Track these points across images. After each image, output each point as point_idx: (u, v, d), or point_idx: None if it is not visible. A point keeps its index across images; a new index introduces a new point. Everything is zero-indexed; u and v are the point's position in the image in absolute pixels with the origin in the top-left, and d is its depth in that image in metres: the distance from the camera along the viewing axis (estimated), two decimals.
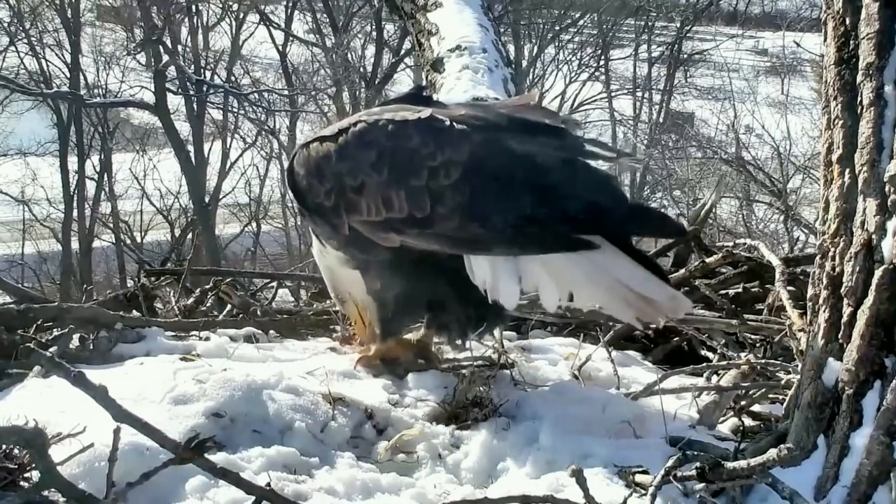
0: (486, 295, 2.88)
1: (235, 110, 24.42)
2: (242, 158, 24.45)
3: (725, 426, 2.94)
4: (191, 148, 22.94)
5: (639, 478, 2.44)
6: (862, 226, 2.36)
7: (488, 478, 2.60)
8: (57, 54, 23.56)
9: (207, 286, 4.25)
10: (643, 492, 2.33)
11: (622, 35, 28.78)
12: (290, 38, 24.91)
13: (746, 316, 3.78)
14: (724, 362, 3.36)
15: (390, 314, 3.08)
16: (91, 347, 3.37)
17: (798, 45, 17.58)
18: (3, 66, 22.90)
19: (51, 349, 3.12)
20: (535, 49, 26.60)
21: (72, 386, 2.04)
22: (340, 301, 3.39)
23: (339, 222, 2.97)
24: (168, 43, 22.56)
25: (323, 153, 2.98)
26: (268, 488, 2.13)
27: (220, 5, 24.58)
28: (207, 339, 3.49)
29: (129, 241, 23.14)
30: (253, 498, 2.13)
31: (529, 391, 3.05)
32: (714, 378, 3.20)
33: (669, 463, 2.31)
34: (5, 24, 22.94)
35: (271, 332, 3.76)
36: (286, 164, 3.18)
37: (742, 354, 3.48)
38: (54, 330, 3.44)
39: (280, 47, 24.61)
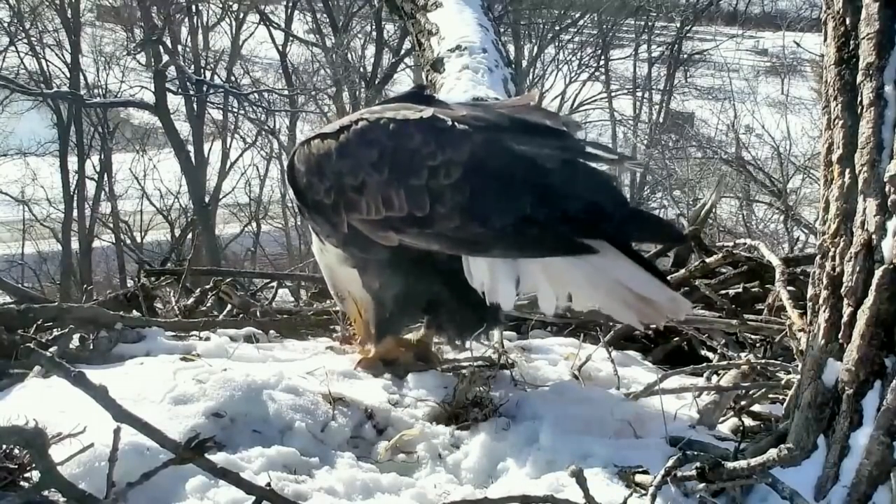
0: (484, 297, 2.88)
1: (235, 110, 24.42)
2: (242, 158, 24.46)
3: (725, 426, 2.94)
4: (191, 148, 22.94)
5: (639, 478, 2.44)
6: (862, 226, 2.36)
7: (488, 478, 2.60)
8: (57, 54, 23.57)
9: (207, 286, 4.25)
10: (643, 492, 2.33)
11: (622, 35, 28.79)
12: (290, 38, 24.92)
13: (746, 316, 3.78)
14: (725, 362, 3.36)
15: (388, 314, 3.08)
16: (91, 347, 3.37)
17: (798, 45, 17.59)
18: (3, 66, 22.90)
19: (51, 349, 3.12)
20: (535, 49, 26.60)
21: (72, 386, 2.05)
22: (340, 299, 3.39)
23: (339, 220, 2.97)
24: (168, 43, 22.57)
25: (324, 151, 2.98)
26: (268, 488, 2.13)
27: (220, 5, 24.58)
28: (207, 339, 3.49)
29: (129, 241, 23.14)
30: (253, 498, 2.13)
31: (529, 391, 3.05)
32: (714, 378, 3.20)
33: (669, 463, 2.31)
34: (5, 24, 22.94)
35: (271, 332, 3.76)
36: (287, 162, 3.17)
37: (742, 354, 3.48)
38: (54, 330, 3.44)
39: (280, 47, 24.62)
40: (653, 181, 22.94)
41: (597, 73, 27.78)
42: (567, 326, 3.93)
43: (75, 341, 3.41)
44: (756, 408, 3.06)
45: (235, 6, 24.40)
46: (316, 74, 24.67)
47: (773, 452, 2.28)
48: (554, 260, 2.82)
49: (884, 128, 2.35)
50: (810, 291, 2.54)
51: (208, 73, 24.11)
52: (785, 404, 2.84)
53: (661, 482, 2.28)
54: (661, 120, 26.85)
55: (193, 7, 24.18)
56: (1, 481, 2.19)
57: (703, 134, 22.45)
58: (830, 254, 2.45)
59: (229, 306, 4.21)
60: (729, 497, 2.35)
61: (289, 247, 24.16)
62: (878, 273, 2.30)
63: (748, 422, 2.94)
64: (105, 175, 23.49)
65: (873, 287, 2.30)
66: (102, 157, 23.50)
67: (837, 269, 2.42)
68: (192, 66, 23.75)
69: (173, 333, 3.52)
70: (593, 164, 2.89)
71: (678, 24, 27.41)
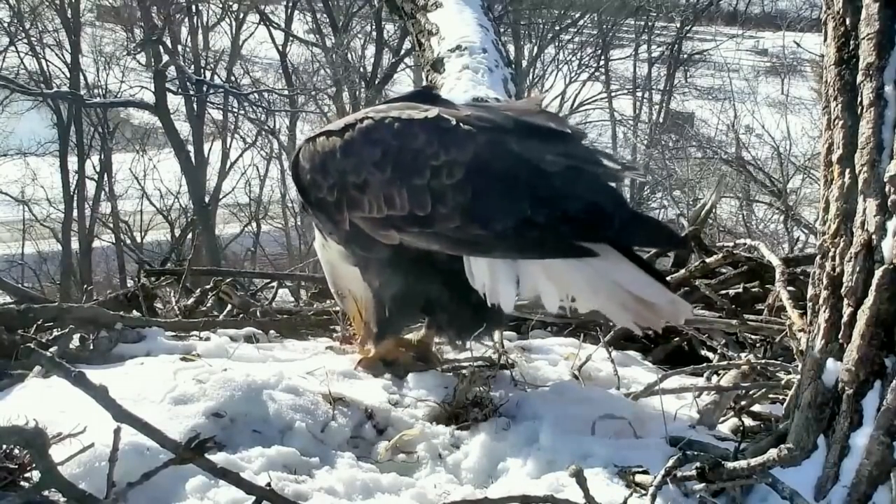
0: (485, 297, 2.88)
1: (235, 110, 24.42)
2: (242, 158, 24.45)
3: (725, 426, 2.94)
4: (191, 148, 22.94)
5: (639, 478, 2.44)
6: (862, 226, 2.36)
7: (488, 478, 2.60)
8: (57, 54, 23.57)
9: (207, 286, 4.25)
10: (643, 492, 2.34)
11: (622, 35, 28.79)
12: (290, 38, 24.91)
13: (746, 316, 3.78)
14: (725, 362, 3.37)
15: (389, 313, 3.08)
16: (91, 347, 3.37)
17: (798, 45, 17.59)
18: (3, 66, 22.90)
19: (51, 349, 3.12)
20: (535, 49, 26.60)
21: (72, 386, 2.05)
22: (340, 297, 3.39)
23: (341, 218, 2.97)
24: (168, 43, 22.57)
25: (328, 148, 2.99)
26: (268, 488, 2.13)
27: (220, 5, 24.58)
28: (207, 339, 3.49)
29: (129, 241, 23.14)
30: (253, 498, 2.13)
31: (529, 391, 3.05)
32: (714, 378, 3.20)
33: (669, 463, 2.32)
34: (5, 24, 22.94)
35: (271, 332, 3.76)
36: (291, 158, 3.18)
37: (742, 354, 3.49)
38: (54, 330, 3.44)
39: (280, 47, 24.62)
40: (653, 181, 22.93)
41: (597, 73, 27.78)
42: (567, 326, 3.93)
43: (75, 341, 3.41)
44: (756, 408, 3.06)
45: (235, 6, 24.41)
46: (316, 74, 24.67)
47: (773, 452, 2.28)
48: (554, 262, 2.83)
49: (884, 128, 2.35)
50: (810, 291, 2.54)
51: (208, 73, 24.11)
52: (785, 404, 2.84)
53: (661, 482, 2.28)
54: (661, 120, 26.85)
55: (193, 7, 24.18)
56: (1, 481, 2.19)
57: (703, 134, 22.44)
58: (830, 254, 2.45)
59: (229, 306, 4.22)
60: (729, 497, 2.35)
61: (289, 247, 24.16)
62: (878, 273, 2.30)
63: (748, 422, 2.94)
64: (105, 175, 23.49)
65: (873, 287, 2.30)
66: (102, 157, 23.50)
67: (837, 269, 2.42)
68: (192, 66, 23.75)
69: (173, 333, 3.52)
70: (596, 168, 2.89)
71: (678, 24, 27.41)
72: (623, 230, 2.76)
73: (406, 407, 2.88)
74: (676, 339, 3.90)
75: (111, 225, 23.27)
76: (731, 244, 4.34)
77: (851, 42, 2.44)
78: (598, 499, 2.20)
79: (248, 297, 4.52)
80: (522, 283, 2.86)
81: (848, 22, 2.45)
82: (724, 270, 4.29)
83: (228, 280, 4.37)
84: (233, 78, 24.42)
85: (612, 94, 27.79)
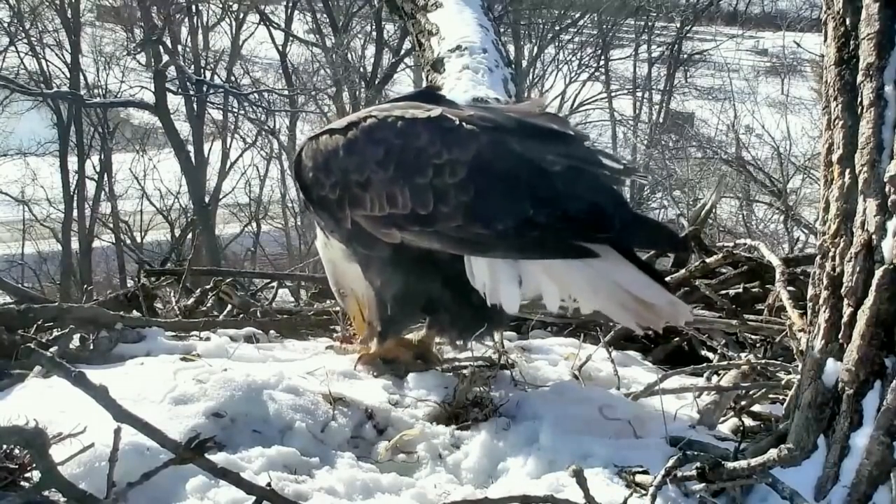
0: (486, 297, 2.88)
1: (235, 110, 24.42)
2: (242, 158, 24.45)
3: (725, 426, 2.94)
4: (191, 148, 22.94)
5: (639, 478, 2.44)
6: (862, 226, 2.36)
7: (488, 478, 2.60)
8: (57, 54, 23.57)
9: (208, 286, 4.26)
10: (643, 492, 2.34)
11: (622, 35, 28.78)
12: (290, 38, 24.91)
13: (746, 316, 3.78)
14: (725, 362, 3.37)
15: (390, 313, 3.08)
16: (91, 347, 3.37)
17: (798, 45, 17.60)
18: (3, 66, 22.89)
19: (51, 349, 3.12)
20: (535, 49, 26.59)
21: (72, 386, 2.05)
22: (341, 296, 3.39)
23: (343, 216, 2.97)
24: (168, 43, 22.56)
25: (331, 147, 2.99)
26: (268, 488, 2.13)
27: (220, 5, 24.57)
28: (208, 339, 3.49)
29: (129, 241, 23.13)
30: (253, 498, 2.13)
31: (529, 391, 3.05)
32: (714, 378, 3.20)
33: (669, 463, 2.32)
34: (5, 24, 22.94)
35: (271, 332, 3.76)
36: (294, 156, 3.18)
37: (742, 354, 3.49)
38: (54, 330, 3.44)
39: (280, 47, 24.61)
40: (653, 181, 22.93)
41: (597, 73, 27.78)
42: (567, 326, 3.93)
43: (75, 341, 3.41)
44: (756, 408, 3.06)
45: (235, 6, 24.40)
46: (316, 74, 24.67)
47: (773, 452, 2.28)
48: (555, 262, 2.83)
49: (884, 128, 2.35)
50: (810, 291, 2.55)
51: (208, 73, 24.11)
52: (785, 404, 2.84)
53: (661, 482, 2.28)
54: (661, 120, 26.85)
55: (193, 7, 24.18)
56: (1, 481, 2.19)
57: (703, 134, 22.45)
58: (830, 254, 2.45)
59: (229, 306, 4.22)
60: (729, 497, 2.35)
61: (289, 247, 24.16)
62: (878, 273, 2.30)
63: (748, 422, 2.94)
64: (105, 175, 23.49)
65: (873, 287, 2.30)
66: (102, 157, 23.50)
67: (837, 270, 2.42)
68: (192, 66, 23.74)
69: (173, 333, 3.52)
70: (598, 170, 2.89)
71: (678, 24, 27.41)
72: (624, 231, 2.76)
73: (406, 407, 2.88)
74: (676, 339, 3.90)
75: (111, 225, 23.26)
76: (731, 244, 4.35)
77: (851, 42, 2.44)
78: (598, 499, 2.20)
79: (248, 297, 4.53)
80: (524, 283, 2.86)
81: (848, 22, 2.46)
82: (724, 270, 4.30)
83: (228, 280, 4.38)
84: (233, 78, 24.42)
85: (612, 94, 27.78)
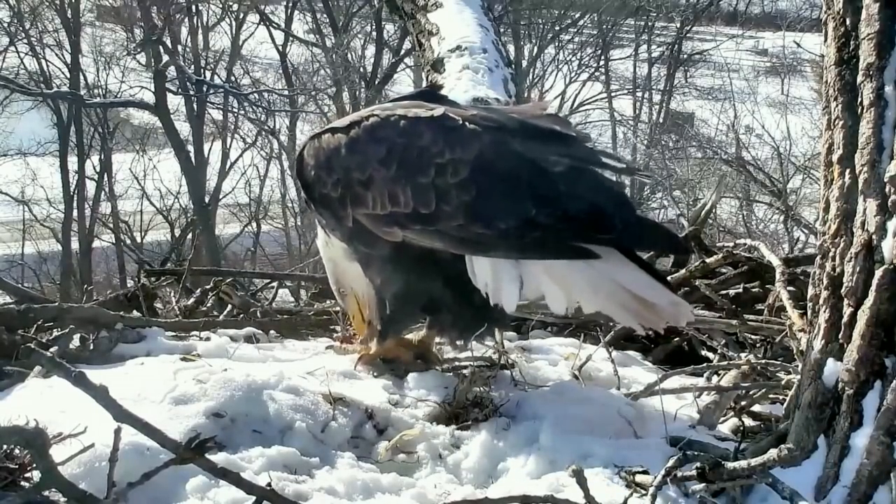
0: (488, 297, 2.88)
1: (235, 110, 24.41)
2: (242, 158, 24.44)
3: (726, 426, 2.94)
4: (191, 148, 22.93)
5: (639, 478, 2.44)
6: (862, 226, 2.36)
7: (489, 478, 2.60)
8: (57, 54, 23.56)
9: (208, 286, 4.26)
10: (643, 492, 2.33)
11: (622, 35, 28.78)
12: (290, 38, 24.90)
13: (747, 316, 3.79)
14: (725, 362, 3.37)
15: (391, 312, 3.08)
16: (91, 347, 3.37)
17: (798, 45, 17.61)
18: (3, 66, 22.89)
19: (51, 349, 3.12)
20: (535, 49, 26.59)
21: (72, 386, 2.05)
22: (342, 295, 3.39)
23: (344, 214, 2.98)
24: (168, 43, 22.56)
25: (333, 145, 2.99)
26: (268, 488, 2.13)
27: (220, 5, 24.57)
28: (208, 339, 3.49)
29: (129, 241, 23.12)
30: (253, 498, 2.13)
31: (530, 391, 3.05)
32: (714, 378, 3.20)
33: (670, 463, 2.32)
34: (5, 24, 22.93)
35: (271, 332, 3.77)
36: (296, 154, 3.18)
37: (742, 354, 3.49)
38: (55, 330, 3.44)
39: (280, 47, 24.60)
40: (653, 181, 22.94)
41: (597, 74, 27.77)
42: (567, 326, 3.93)
43: (75, 341, 3.41)
44: (756, 408, 3.06)
45: (235, 6, 24.40)
46: (316, 74, 24.66)
47: (773, 452, 2.28)
48: (556, 263, 2.83)
49: (884, 128, 2.35)
50: (810, 292, 2.55)
51: (208, 73, 24.10)
52: (785, 404, 2.84)
53: (661, 482, 2.28)
54: (661, 120, 26.85)
55: (193, 7, 24.17)
56: (1, 481, 2.19)
57: (703, 134, 22.44)
58: (831, 254, 2.45)
59: (229, 306, 4.22)
60: (729, 497, 2.35)
61: (289, 247, 24.15)
62: (878, 273, 2.30)
63: (748, 422, 2.94)
64: (105, 175, 23.48)
65: (873, 287, 2.30)
66: (102, 157, 23.49)
67: (837, 270, 2.42)
68: (192, 66, 23.74)
69: (174, 333, 3.52)
70: (600, 171, 2.89)
71: (678, 25, 27.40)
72: (625, 233, 2.76)
73: (406, 407, 2.88)
74: (676, 339, 3.90)
75: (111, 225, 23.26)
76: (731, 244, 4.35)
77: (851, 42, 2.44)
78: (598, 499, 2.20)
79: (248, 297, 4.53)
80: (525, 283, 2.86)
81: (848, 22, 2.46)
82: (724, 270, 4.30)
83: (228, 280, 4.38)
84: (233, 78, 24.40)
85: (612, 94, 27.77)
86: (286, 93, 24.28)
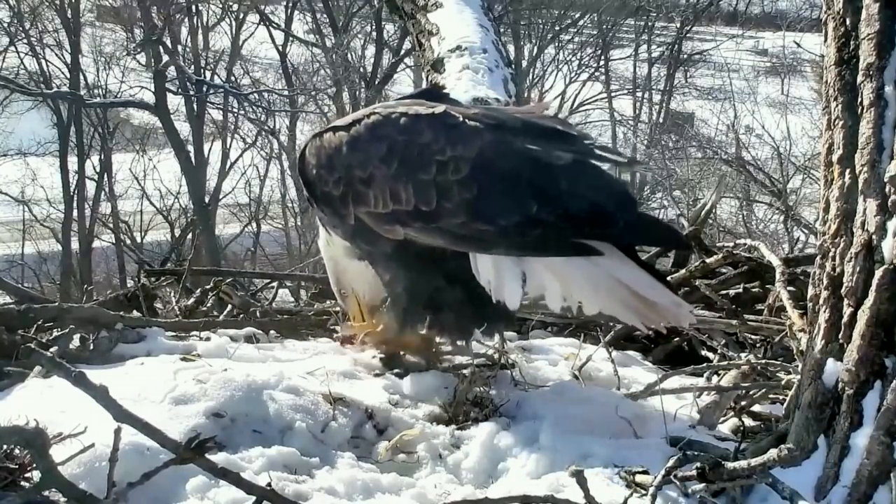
0: (491, 294, 2.88)
1: (235, 110, 24.41)
2: (242, 158, 24.44)
3: (726, 426, 2.94)
4: (191, 148, 22.93)
5: (639, 478, 2.44)
6: (862, 226, 2.36)
7: (489, 478, 2.60)
8: (57, 54, 23.55)
9: (208, 286, 4.25)
10: (643, 492, 2.33)
11: (622, 35, 28.78)
12: (290, 39, 24.90)
13: (747, 316, 3.78)
14: (725, 362, 3.37)
15: (406, 305, 3.08)
16: (91, 347, 3.36)
17: (798, 45, 17.61)
18: (3, 66, 22.88)
19: (51, 349, 3.12)
20: (535, 49, 26.59)
21: (72, 386, 2.04)
22: (342, 295, 3.39)
23: (346, 212, 2.98)
24: (168, 43, 22.55)
25: (335, 143, 3.00)
26: (268, 488, 2.13)
27: (220, 5, 24.57)
28: (208, 339, 3.48)
29: (129, 241, 23.12)
30: (253, 498, 2.13)
31: (530, 391, 3.06)
32: (714, 378, 3.20)
33: (670, 463, 2.32)
34: (5, 24, 22.92)
35: (272, 332, 3.76)
36: (297, 153, 3.19)
37: (742, 354, 3.49)
38: (55, 330, 3.44)
39: (280, 47, 24.60)
40: (653, 181, 22.94)
41: (597, 74, 27.77)
42: (567, 326, 3.93)
43: (75, 341, 3.41)
44: (756, 408, 3.06)
45: (235, 6, 24.40)
46: (316, 74, 24.66)
47: (773, 452, 2.28)
48: (558, 260, 2.83)
49: (884, 128, 2.35)
50: (810, 292, 2.55)
51: (208, 73, 24.10)
52: (785, 404, 2.84)
53: (661, 482, 2.28)
54: (661, 120, 26.85)
55: (193, 7, 24.17)
56: (1, 481, 2.19)
57: (703, 134, 22.45)
58: (831, 254, 2.45)
59: (229, 306, 4.22)
60: (729, 497, 2.35)
61: (289, 247, 24.15)
62: (878, 273, 2.30)
63: (748, 422, 2.94)
64: (105, 175, 23.48)
65: (873, 287, 2.30)
66: (102, 157, 23.49)
67: (838, 270, 2.42)
68: (192, 66, 23.73)
69: (174, 333, 3.52)
70: (602, 167, 2.89)
71: (678, 25, 27.40)
72: (627, 229, 2.77)
73: (406, 407, 2.88)
74: (676, 339, 3.90)
75: (111, 225, 23.26)
76: (731, 244, 4.35)
77: (851, 42, 2.44)
78: (599, 499, 2.20)
79: (248, 297, 4.52)
80: (528, 280, 2.86)
81: (848, 22, 2.46)
82: (724, 270, 4.30)
83: (228, 280, 4.38)
84: (233, 78, 24.40)
85: (612, 94, 27.78)
86: (286, 93, 24.28)
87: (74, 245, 22.65)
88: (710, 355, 3.66)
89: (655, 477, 2.30)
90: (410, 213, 2.85)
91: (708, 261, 4.23)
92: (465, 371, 3.12)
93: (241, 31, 24.61)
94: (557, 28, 26.70)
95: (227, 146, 24.23)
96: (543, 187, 2.76)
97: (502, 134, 2.86)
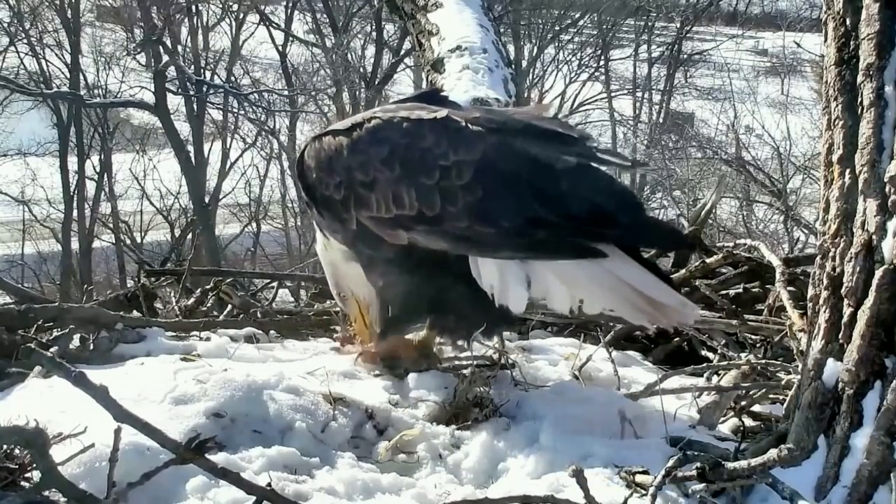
0: (493, 299, 2.87)
1: (235, 110, 24.40)
2: (242, 158, 24.43)
3: (726, 426, 2.94)
4: (191, 148, 22.92)
5: (639, 478, 2.44)
6: (862, 226, 2.36)
7: (489, 478, 2.60)
8: (57, 54, 23.54)
9: (208, 286, 4.25)
10: (643, 492, 2.33)
11: (622, 35, 28.78)
12: (290, 39, 24.90)
13: (747, 316, 3.79)
14: (725, 362, 3.37)
15: (393, 313, 3.08)
16: (91, 348, 3.37)
17: (798, 45, 17.61)
18: (3, 66, 22.88)
19: (51, 349, 3.12)
20: (535, 49, 26.58)
21: (72, 386, 2.04)
22: (341, 298, 3.39)
23: (348, 217, 2.97)
24: (168, 43, 22.54)
25: (335, 147, 2.98)
26: (268, 488, 2.13)
27: (220, 5, 24.57)
28: (208, 339, 3.49)
29: (129, 242, 23.11)
30: (254, 498, 2.13)
31: (530, 391, 3.06)
32: (714, 378, 3.20)
33: (670, 463, 2.31)
34: (5, 24, 22.91)
35: (272, 332, 3.76)
36: (297, 156, 3.18)
37: (742, 355, 3.49)
38: (55, 330, 3.44)
39: (280, 47, 24.60)
40: (653, 181, 22.93)
41: (597, 74, 27.77)
42: (567, 326, 3.93)
43: (76, 341, 3.41)
44: (756, 408, 3.06)
45: (235, 6, 24.39)
46: (316, 74, 24.64)
47: (773, 453, 2.28)
48: (563, 262, 2.83)
49: (884, 128, 2.35)
50: (810, 292, 2.55)
51: (208, 73, 24.09)
52: (785, 404, 2.84)
53: (661, 482, 2.28)
54: (661, 120, 26.85)
55: (193, 7, 24.16)
56: (1, 481, 2.19)
57: (703, 134, 22.44)
58: (831, 254, 2.45)
59: (230, 306, 4.22)
60: (729, 497, 2.35)
61: (289, 247, 24.15)
62: (878, 273, 2.30)
63: (748, 422, 2.94)
64: (105, 175, 23.47)
65: (873, 287, 2.30)
66: (102, 157, 23.48)
67: (838, 270, 2.42)
68: (192, 67, 23.72)
69: (174, 334, 3.52)
70: (605, 169, 2.89)
71: (678, 25, 27.40)
72: (630, 231, 2.77)
73: (406, 407, 2.88)
74: (676, 339, 3.91)
75: (111, 225, 23.24)
76: (731, 244, 4.35)
77: (851, 42, 2.44)
78: (599, 499, 2.19)
79: (248, 297, 4.52)
80: (532, 283, 2.86)
81: (848, 22, 2.46)
82: (724, 270, 4.30)
83: (228, 280, 4.38)
84: (233, 78, 24.38)
85: (612, 94, 27.77)
86: (286, 93, 24.26)
87: (74, 245, 22.65)
88: (710, 355, 3.66)
89: (655, 477, 2.30)
90: (414, 217, 2.85)
91: (708, 261, 4.23)
92: (465, 371, 3.11)
93: (241, 32, 24.60)
94: (557, 28, 26.69)
95: (227, 146, 24.22)
96: (547, 190, 2.76)
97: (504, 137, 2.86)
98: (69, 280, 21.58)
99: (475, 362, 3.17)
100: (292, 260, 21.32)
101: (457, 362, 3.26)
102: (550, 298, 2.93)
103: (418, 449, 2.69)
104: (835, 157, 2.46)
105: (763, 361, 3.26)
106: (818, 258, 2.52)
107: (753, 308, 4.04)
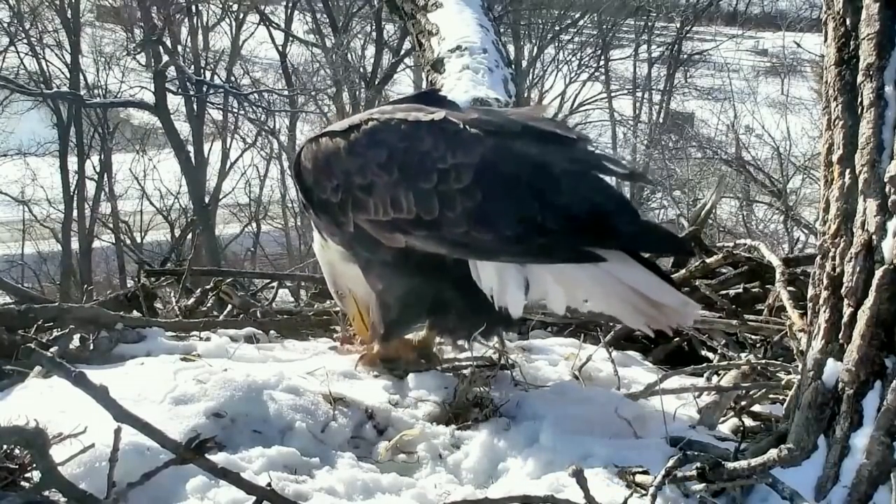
0: (493, 301, 2.87)
1: (235, 110, 24.41)
2: (242, 158, 24.44)
3: (726, 426, 2.94)
4: (191, 148, 22.93)
5: (639, 478, 2.44)
6: (862, 226, 2.36)
7: (489, 478, 2.60)
8: (57, 54, 23.55)
9: (208, 286, 4.25)
10: (643, 492, 2.33)
11: (622, 35, 28.78)
12: (290, 39, 24.90)
13: (747, 316, 3.78)
14: (725, 362, 3.37)
15: (393, 315, 3.07)
16: (91, 348, 3.37)
17: (798, 45, 17.62)
18: (3, 66, 22.89)
19: (51, 349, 3.12)
20: (535, 49, 26.59)
21: (72, 386, 2.04)
22: (340, 297, 3.38)
23: (345, 220, 2.96)
24: (168, 43, 22.56)
25: (332, 149, 2.97)
26: (268, 488, 2.13)
27: (220, 5, 24.57)
28: (208, 339, 3.49)
29: (129, 242, 23.12)
30: (254, 498, 2.13)
31: (530, 391, 3.05)
32: (714, 378, 3.20)
33: (670, 463, 2.31)
34: (5, 24, 22.93)
35: (272, 332, 3.76)
36: (293, 157, 3.16)
37: (742, 355, 3.49)
38: (55, 330, 3.44)
39: (280, 47, 24.60)
40: (654, 187, 22.92)
41: (597, 74, 27.77)
42: (567, 326, 3.93)
43: (76, 341, 3.41)
44: (756, 408, 3.06)
45: (235, 6, 24.40)
46: (316, 74, 24.65)
47: (773, 453, 2.28)
48: (563, 266, 2.82)
49: (884, 128, 2.35)
50: (810, 292, 2.55)
51: (208, 73, 24.10)
52: (785, 404, 2.84)
53: (661, 482, 2.28)
54: (661, 120, 26.85)
55: (193, 7, 24.17)
56: (1, 481, 2.19)
57: (703, 134, 22.45)
58: (831, 254, 2.45)
59: (230, 306, 4.21)
60: (729, 497, 2.35)
61: (289, 247, 24.16)
62: (878, 273, 2.30)
63: (748, 422, 2.94)
64: (105, 175, 23.48)
65: (873, 287, 2.30)
66: (102, 157, 23.49)
67: (837, 270, 2.42)
68: (192, 67, 23.73)
69: (174, 334, 3.52)
70: (602, 173, 2.88)
71: (678, 25, 27.40)
72: (631, 235, 2.76)
73: (406, 407, 2.88)
74: (677, 339, 3.90)
75: (111, 225, 23.26)
76: (731, 244, 4.35)
77: (851, 42, 2.44)
78: (599, 499, 2.19)
79: (248, 297, 4.52)
80: (531, 287, 2.85)
81: (848, 22, 2.46)
82: (724, 270, 4.30)
83: (228, 280, 4.37)
84: (233, 78, 24.40)
85: (612, 94, 27.78)
86: (286, 93, 24.27)
87: (74, 245, 22.66)
88: (710, 355, 3.66)
89: (655, 477, 2.30)
90: (412, 221, 2.83)
91: (708, 261, 4.23)
92: (465, 371, 3.11)
93: (241, 32, 24.62)
94: (557, 28, 26.69)
95: (227, 146, 24.23)
96: (546, 194, 2.74)
97: (503, 140, 2.83)
98: (69, 280, 21.59)
99: (475, 362, 3.17)
100: (292, 260, 21.33)
101: (457, 362, 3.26)
102: (549, 300, 2.92)
103: (418, 449, 2.69)
104: (835, 157, 2.46)
105: (763, 361, 3.26)
106: (818, 258, 2.52)
107: (753, 308, 4.04)
